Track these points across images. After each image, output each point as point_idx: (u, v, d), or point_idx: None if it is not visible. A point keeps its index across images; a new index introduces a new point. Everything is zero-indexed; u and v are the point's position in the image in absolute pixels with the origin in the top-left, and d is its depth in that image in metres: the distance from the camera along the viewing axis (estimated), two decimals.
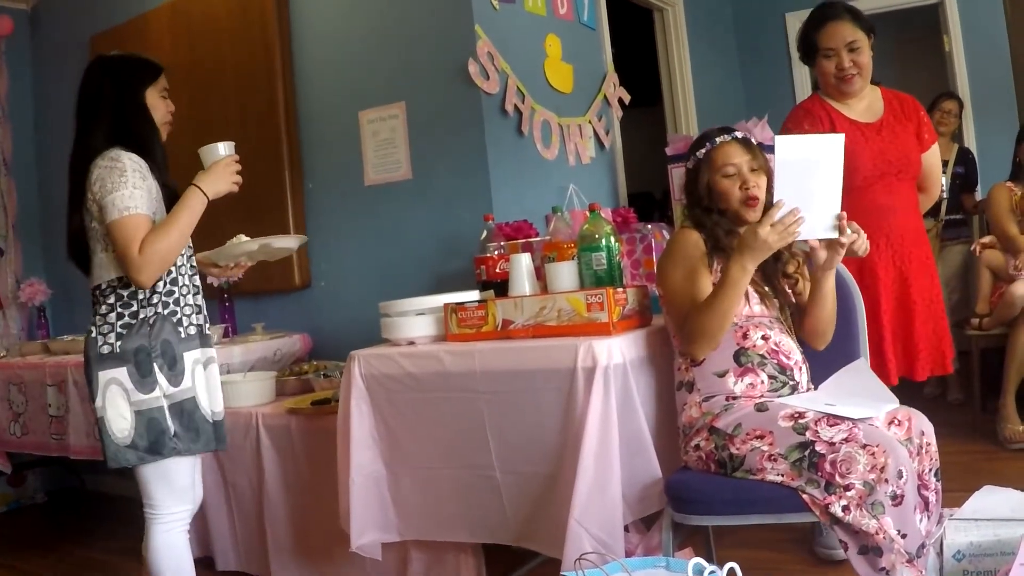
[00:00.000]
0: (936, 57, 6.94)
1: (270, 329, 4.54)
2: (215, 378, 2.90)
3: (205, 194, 2.73)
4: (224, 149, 2.81)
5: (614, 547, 2.51)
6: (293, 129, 4.61)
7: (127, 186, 2.62)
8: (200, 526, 3.79)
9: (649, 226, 3.75)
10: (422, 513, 2.99)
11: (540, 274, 3.20)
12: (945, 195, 5.55)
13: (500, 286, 3.30)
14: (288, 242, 3.20)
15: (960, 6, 6.60)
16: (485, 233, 3.56)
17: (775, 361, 2.62)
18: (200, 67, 4.86)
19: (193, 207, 2.71)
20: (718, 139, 2.72)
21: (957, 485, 2.87)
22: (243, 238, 3.08)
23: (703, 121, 5.99)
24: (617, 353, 2.62)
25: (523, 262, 3.09)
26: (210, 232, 4.64)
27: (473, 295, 3.12)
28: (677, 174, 4.33)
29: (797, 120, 3.35)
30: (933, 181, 3.49)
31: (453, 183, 4.09)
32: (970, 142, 6.46)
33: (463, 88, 3.98)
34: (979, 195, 5.96)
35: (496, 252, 3.46)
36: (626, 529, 2.70)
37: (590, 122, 4.68)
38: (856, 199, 3.18)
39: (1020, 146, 5.29)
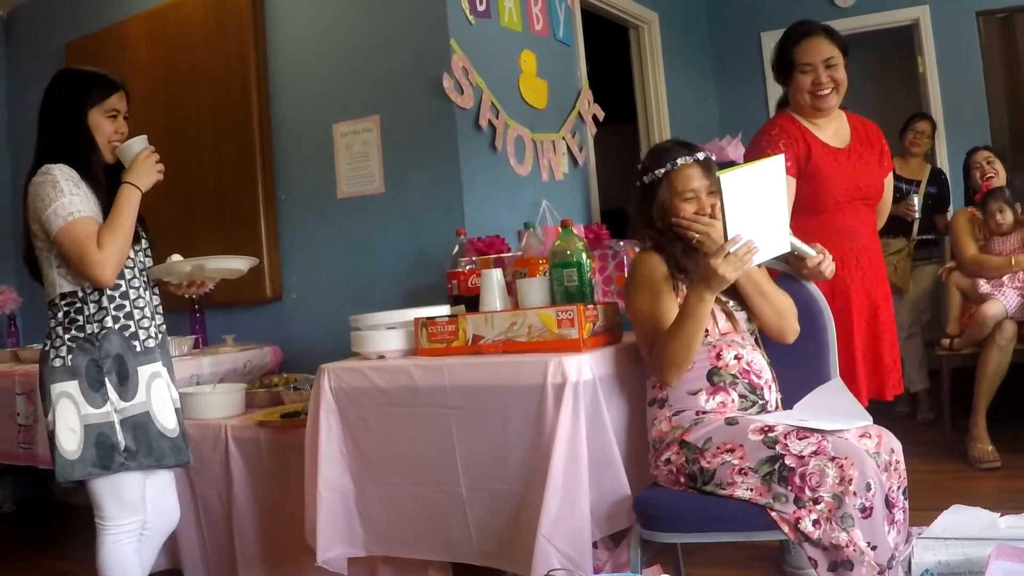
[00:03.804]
0: (910, 78, 6.99)
1: (240, 341, 4.52)
2: (162, 392, 2.88)
3: (138, 188, 2.79)
4: (138, 144, 2.88)
5: (582, 564, 2.50)
6: (267, 140, 4.60)
7: (64, 194, 2.66)
8: (169, 538, 3.76)
9: (622, 243, 3.75)
10: (389, 529, 2.97)
11: (511, 290, 3.20)
12: (917, 215, 5.58)
13: (471, 301, 3.30)
14: (230, 263, 3.17)
15: (934, 28, 6.67)
16: (457, 248, 3.56)
17: (746, 381, 2.63)
18: (176, 76, 4.85)
19: (131, 201, 2.77)
20: (679, 160, 2.71)
21: (926, 504, 2.88)
22: (176, 258, 3.06)
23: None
24: (587, 369, 2.62)
25: (494, 277, 3.08)
26: (185, 240, 4.66)
27: (444, 310, 3.12)
28: None
29: (773, 140, 3.33)
30: (887, 205, 3.59)
31: (426, 197, 4.09)
32: (942, 162, 6.51)
33: (437, 102, 3.98)
34: (951, 215, 6.00)
35: (468, 267, 3.46)
36: (595, 546, 2.69)
37: (564, 138, 4.69)
38: (827, 221, 3.22)
39: (969, 174, 5.39)
